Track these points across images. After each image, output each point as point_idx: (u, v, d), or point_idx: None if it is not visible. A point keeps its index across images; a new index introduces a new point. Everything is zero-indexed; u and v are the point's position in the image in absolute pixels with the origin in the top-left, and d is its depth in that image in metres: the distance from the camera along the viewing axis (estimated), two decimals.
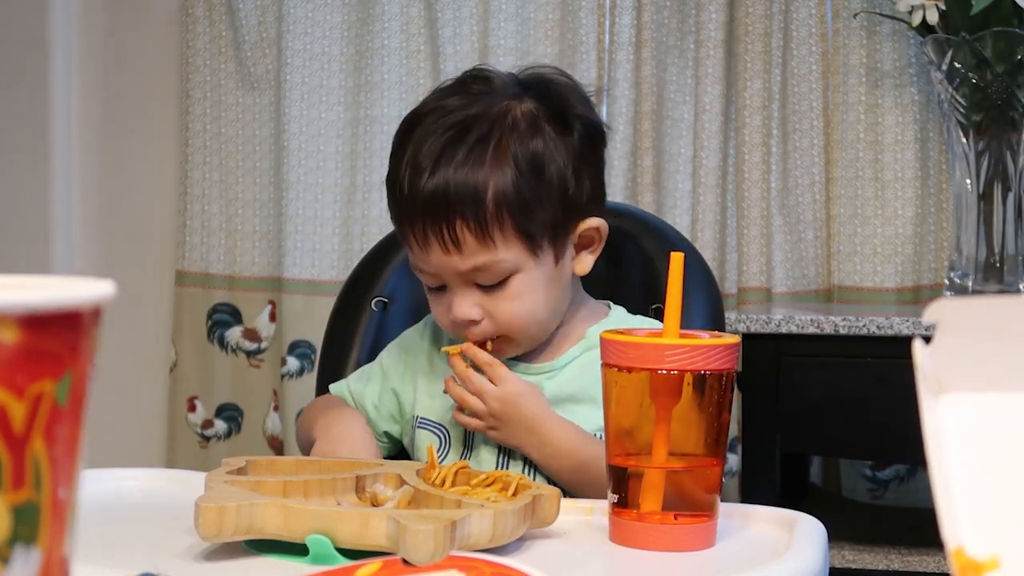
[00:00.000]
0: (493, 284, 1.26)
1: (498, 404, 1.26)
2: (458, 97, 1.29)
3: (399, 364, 1.40)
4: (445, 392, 1.29)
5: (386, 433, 1.39)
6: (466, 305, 1.26)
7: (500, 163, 1.23)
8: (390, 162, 1.31)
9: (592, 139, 1.31)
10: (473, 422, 1.28)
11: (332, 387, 1.43)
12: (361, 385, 1.41)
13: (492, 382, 1.26)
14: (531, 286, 1.27)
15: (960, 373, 0.56)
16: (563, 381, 1.31)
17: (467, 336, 1.28)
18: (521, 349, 1.32)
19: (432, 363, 1.37)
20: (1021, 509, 0.54)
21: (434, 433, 1.34)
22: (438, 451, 1.33)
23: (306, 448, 1.35)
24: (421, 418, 1.35)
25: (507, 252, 1.24)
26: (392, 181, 1.29)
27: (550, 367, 1.33)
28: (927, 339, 0.56)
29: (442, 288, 1.28)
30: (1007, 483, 0.55)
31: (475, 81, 1.32)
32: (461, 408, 1.28)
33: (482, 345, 1.29)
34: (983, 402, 0.56)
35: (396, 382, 1.39)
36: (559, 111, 1.28)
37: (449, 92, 1.32)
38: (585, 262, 1.32)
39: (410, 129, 1.29)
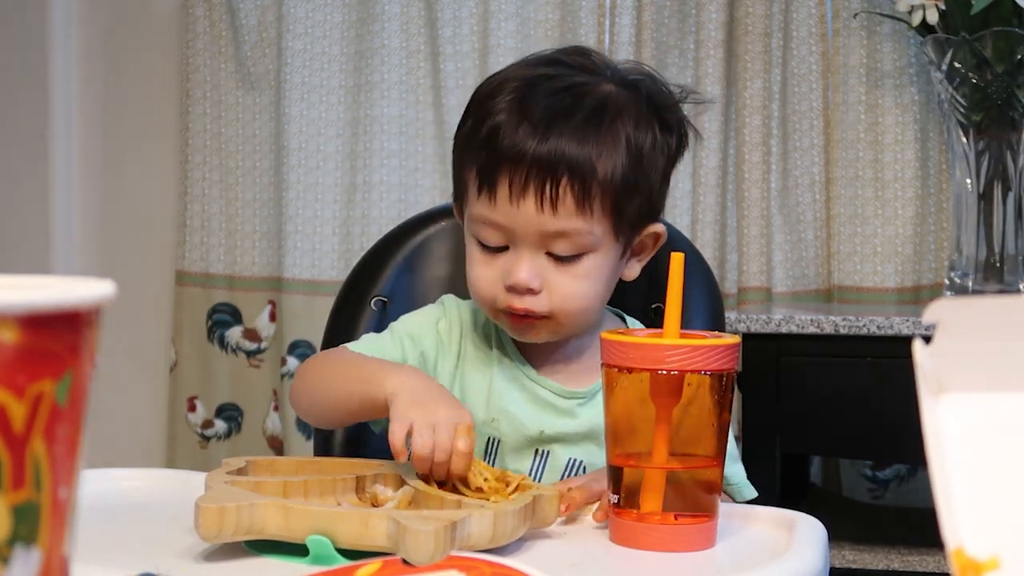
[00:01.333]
0: (566, 256, 1.21)
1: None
2: (561, 66, 1.27)
3: (430, 336, 1.32)
4: None
5: None
6: (534, 269, 1.20)
7: (614, 139, 1.21)
8: (476, 112, 1.24)
9: (680, 148, 1.30)
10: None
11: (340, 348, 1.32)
12: (373, 349, 1.29)
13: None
14: (599, 271, 1.23)
15: (960, 373, 0.56)
16: (598, 409, 1.19)
17: (512, 308, 1.21)
18: (557, 336, 1.26)
19: (466, 366, 1.31)
20: (1021, 509, 0.54)
21: None
22: None
23: (338, 397, 1.23)
24: None
25: (597, 226, 1.20)
26: (491, 121, 1.21)
27: (585, 392, 1.28)
28: (927, 339, 0.56)
29: (500, 250, 1.22)
30: (1007, 483, 0.55)
31: (577, 54, 1.30)
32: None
33: (523, 324, 1.23)
34: (983, 402, 0.56)
35: (428, 347, 1.31)
36: (664, 110, 1.27)
37: (546, 61, 1.28)
38: (634, 268, 1.30)
39: (503, 85, 1.24)
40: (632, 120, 1.23)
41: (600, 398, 1.22)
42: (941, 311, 0.56)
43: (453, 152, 1.29)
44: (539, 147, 1.18)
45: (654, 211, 1.28)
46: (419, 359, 1.29)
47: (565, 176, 1.18)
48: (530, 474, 1.26)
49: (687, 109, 1.34)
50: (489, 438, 1.28)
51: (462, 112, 1.29)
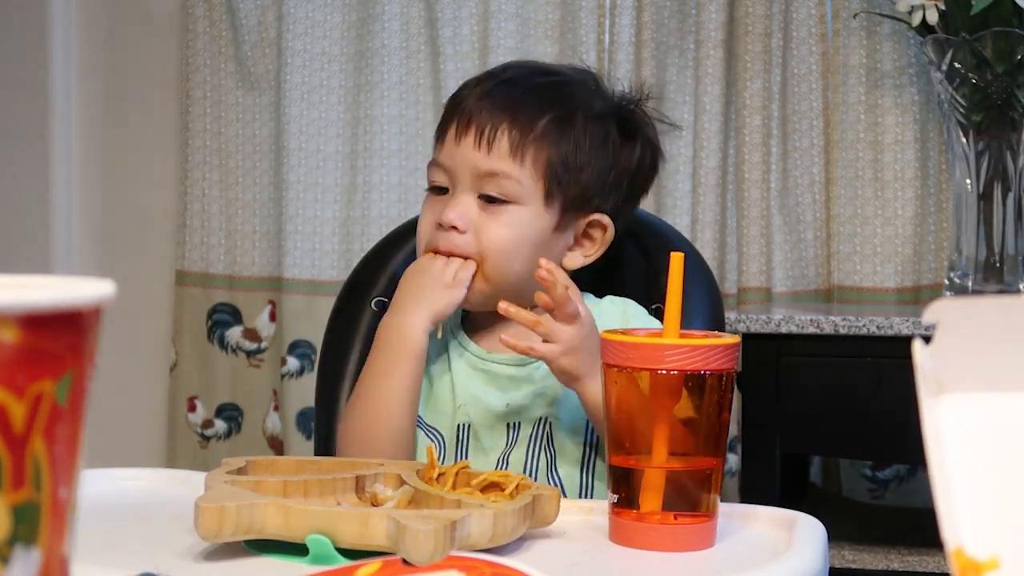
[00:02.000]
0: (494, 200, 1.29)
1: (582, 329, 1.22)
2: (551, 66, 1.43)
3: None
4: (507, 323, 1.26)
5: None
6: (461, 209, 1.29)
7: (565, 114, 1.31)
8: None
9: (643, 164, 1.37)
10: (551, 349, 1.22)
11: None
12: None
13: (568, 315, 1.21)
14: (524, 227, 1.30)
15: (960, 373, 0.56)
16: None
17: (440, 249, 1.29)
18: (481, 295, 1.31)
19: (434, 368, 1.36)
20: (1021, 509, 0.54)
21: (431, 438, 1.34)
22: (437, 456, 1.32)
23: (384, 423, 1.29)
24: (419, 418, 1.34)
25: (527, 178, 1.29)
26: (460, 86, 1.36)
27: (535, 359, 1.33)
28: (927, 339, 0.56)
29: (443, 192, 1.32)
30: (1007, 483, 0.55)
31: (573, 67, 1.44)
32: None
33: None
34: (983, 402, 0.56)
35: None
36: (629, 120, 1.36)
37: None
38: (574, 259, 1.35)
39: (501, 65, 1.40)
40: (585, 112, 1.32)
41: None
42: (941, 311, 0.56)
43: None
44: (486, 98, 1.30)
45: (591, 203, 1.33)
46: None
47: (504, 123, 1.29)
48: (504, 448, 1.31)
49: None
50: (459, 425, 1.32)
51: None
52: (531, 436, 1.31)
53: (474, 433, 1.32)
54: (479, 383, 1.33)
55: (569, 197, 1.31)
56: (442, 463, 1.30)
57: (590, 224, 1.34)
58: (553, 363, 1.22)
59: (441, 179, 1.32)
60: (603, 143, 1.33)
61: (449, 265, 1.28)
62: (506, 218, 1.29)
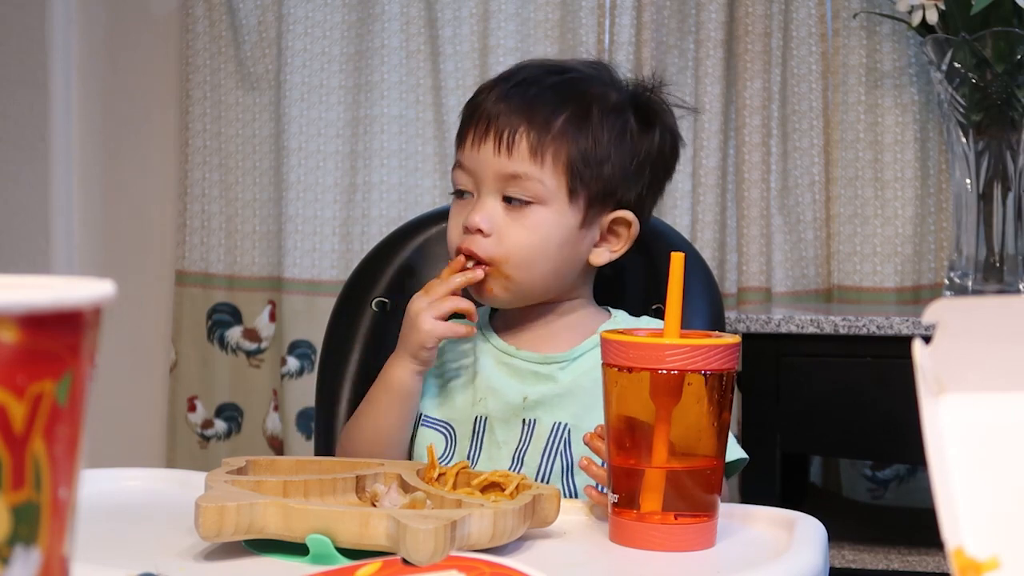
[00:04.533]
0: (519, 201, 1.29)
1: None
2: (562, 63, 1.42)
3: None
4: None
5: None
6: (486, 212, 1.30)
7: (581, 111, 1.32)
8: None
9: (663, 152, 1.38)
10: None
11: None
12: None
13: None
14: (548, 228, 1.30)
15: (960, 373, 0.56)
16: (579, 372, 1.32)
17: (466, 250, 1.30)
18: (507, 294, 1.32)
19: (444, 362, 1.37)
20: (1021, 509, 0.54)
21: (440, 432, 1.33)
22: (444, 451, 1.32)
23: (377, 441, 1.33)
24: (426, 416, 1.34)
25: (549, 178, 1.30)
26: (478, 89, 1.37)
27: (563, 357, 1.33)
28: (927, 339, 0.56)
29: (470, 196, 1.33)
30: (1007, 483, 0.55)
31: (589, 63, 1.43)
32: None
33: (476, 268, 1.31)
34: (983, 402, 0.56)
35: None
36: (646, 109, 1.37)
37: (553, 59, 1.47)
38: (601, 254, 1.35)
39: (514, 66, 1.41)
40: (601, 104, 1.33)
41: (581, 360, 1.30)
42: (941, 311, 0.56)
43: None
44: (503, 101, 1.31)
45: (614, 195, 1.34)
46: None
47: (523, 125, 1.30)
48: (519, 444, 1.30)
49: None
50: (476, 418, 1.33)
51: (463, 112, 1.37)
52: (548, 439, 1.30)
53: (489, 426, 1.32)
54: (501, 375, 1.34)
55: (592, 192, 1.32)
56: (452, 456, 1.30)
57: (615, 221, 1.34)
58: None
59: (465, 183, 1.33)
60: (621, 134, 1.33)
61: (430, 308, 1.28)
62: (530, 219, 1.30)
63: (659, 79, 1.42)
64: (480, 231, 1.29)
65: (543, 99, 1.31)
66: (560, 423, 1.31)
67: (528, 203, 1.30)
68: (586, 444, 1.15)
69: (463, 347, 1.37)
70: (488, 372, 1.34)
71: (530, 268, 1.31)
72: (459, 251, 1.31)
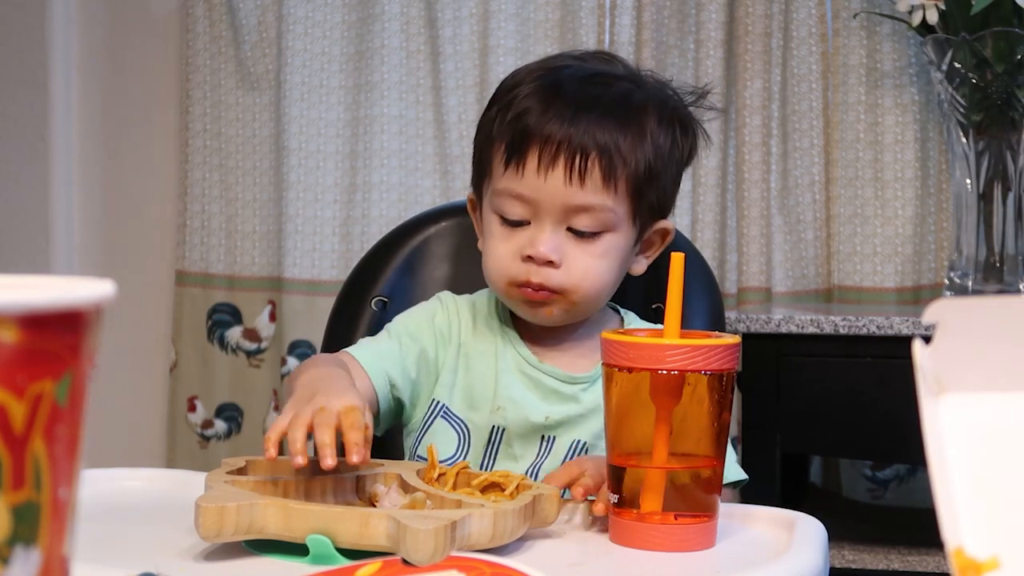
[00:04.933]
0: (586, 233, 1.24)
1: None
2: (582, 60, 1.34)
3: (428, 331, 1.33)
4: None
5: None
6: (553, 243, 1.24)
7: (639, 129, 1.26)
8: (502, 100, 1.29)
9: (692, 154, 1.35)
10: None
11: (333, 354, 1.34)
12: (368, 351, 1.31)
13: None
14: (615, 252, 1.27)
15: (960, 373, 0.56)
16: (600, 387, 1.28)
17: (530, 281, 1.24)
18: (568, 317, 1.29)
19: (469, 356, 1.32)
20: (1021, 509, 0.54)
21: (456, 430, 1.30)
22: (457, 449, 1.30)
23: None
24: (447, 408, 1.31)
25: (618, 205, 1.25)
26: (519, 105, 1.26)
27: (587, 377, 1.30)
28: (927, 339, 0.56)
29: (520, 225, 1.26)
30: (1007, 483, 0.55)
31: (597, 55, 1.39)
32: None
33: (537, 299, 1.26)
34: (983, 402, 0.56)
35: (427, 343, 1.32)
36: (681, 115, 1.33)
37: (567, 56, 1.36)
38: (641, 264, 1.34)
39: (527, 75, 1.30)
40: (654, 117, 1.28)
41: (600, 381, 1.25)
42: (940, 311, 0.56)
43: (476, 138, 1.33)
44: (570, 125, 1.23)
45: (665, 208, 1.32)
46: (419, 355, 1.31)
47: (594, 152, 1.23)
48: (535, 459, 1.28)
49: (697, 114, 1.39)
50: (494, 427, 1.29)
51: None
52: (565, 456, 1.28)
53: (507, 439, 1.29)
54: (522, 387, 1.30)
55: (652, 209, 1.29)
56: (465, 457, 1.29)
57: (655, 231, 1.32)
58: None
59: (521, 212, 1.25)
60: (672, 147, 1.30)
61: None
62: (599, 248, 1.25)
63: (707, 88, 1.39)
64: (551, 263, 1.24)
65: (606, 120, 1.24)
66: (579, 440, 1.29)
67: (598, 233, 1.25)
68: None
69: (487, 344, 1.32)
70: (509, 380, 1.30)
71: (596, 293, 1.27)
72: (525, 283, 1.25)
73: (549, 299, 1.26)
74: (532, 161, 1.23)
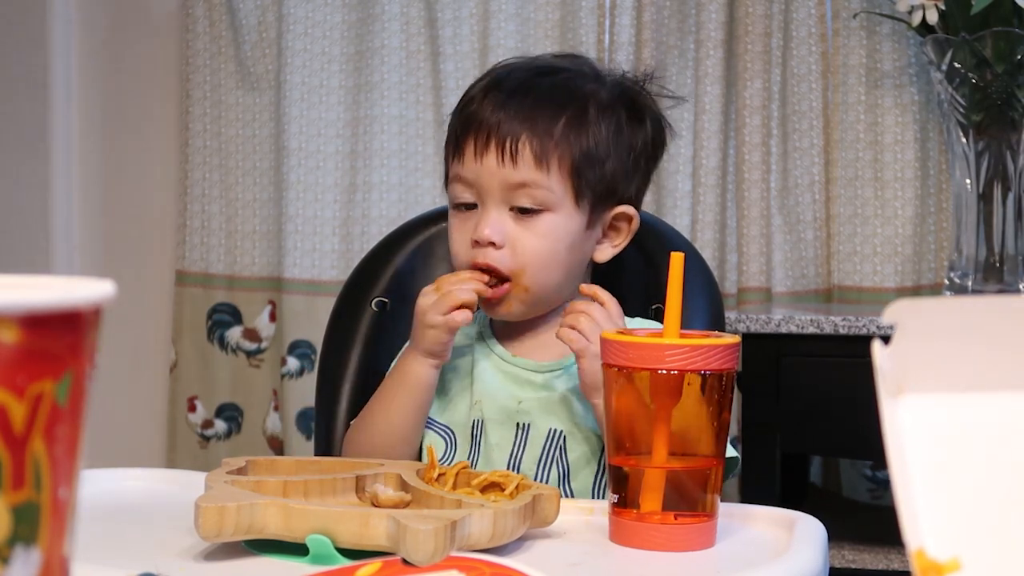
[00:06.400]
0: (527, 210, 1.28)
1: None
2: (545, 59, 1.42)
3: None
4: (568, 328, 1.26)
5: None
6: (496, 224, 1.28)
7: (577, 113, 1.31)
8: (467, 91, 1.37)
9: (653, 144, 1.38)
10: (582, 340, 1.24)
11: None
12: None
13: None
14: (559, 233, 1.30)
15: (919, 374, 0.56)
16: (575, 379, 1.31)
17: (484, 265, 1.28)
18: (523, 307, 1.31)
19: (455, 366, 1.36)
20: (981, 510, 0.54)
21: (441, 436, 1.34)
22: (444, 454, 1.32)
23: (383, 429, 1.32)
24: (430, 418, 1.34)
25: (555, 184, 1.29)
26: (466, 97, 1.34)
27: (558, 365, 1.33)
28: (886, 340, 0.56)
29: (471, 208, 1.31)
30: (967, 484, 0.55)
31: (567, 55, 1.46)
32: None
33: (493, 297, 1.29)
34: (942, 403, 0.56)
35: None
36: (633, 103, 1.36)
37: (534, 57, 1.44)
38: (605, 251, 1.36)
39: (489, 72, 1.38)
40: (595, 102, 1.32)
41: (574, 368, 1.28)
42: (899, 312, 0.56)
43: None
44: (501, 110, 1.29)
45: (617, 192, 1.34)
46: None
47: (524, 133, 1.29)
48: (512, 448, 1.31)
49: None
50: (473, 421, 1.33)
51: None
52: (544, 446, 1.31)
53: (485, 429, 1.32)
54: (498, 381, 1.34)
55: (596, 192, 1.31)
56: (451, 461, 1.31)
57: (615, 216, 1.35)
58: (584, 357, 1.23)
59: (467, 195, 1.31)
60: (618, 131, 1.33)
61: (443, 300, 1.26)
62: (541, 227, 1.29)
63: (648, 73, 1.42)
64: (492, 243, 1.28)
65: (541, 104, 1.30)
66: (555, 429, 1.31)
67: (538, 211, 1.29)
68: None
69: (464, 352, 1.36)
70: (486, 377, 1.34)
71: (546, 276, 1.30)
72: (474, 266, 1.29)
73: (502, 294, 1.29)
74: (470, 147, 1.30)
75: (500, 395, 1.33)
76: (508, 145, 1.28)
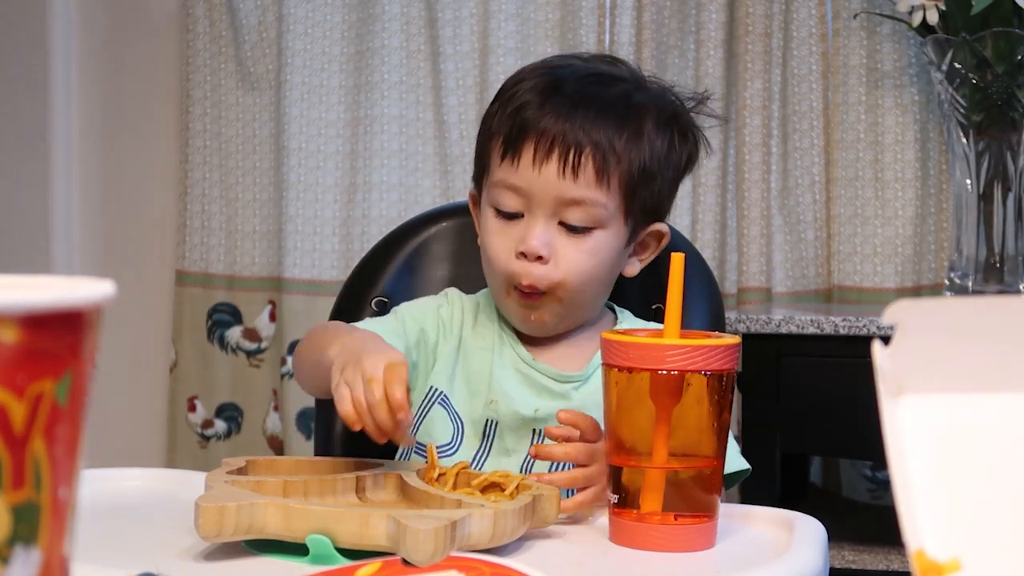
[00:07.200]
0: (577, 228, 1.25)
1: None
2: (585, 60, 1.36)
3: (432, 318, 1.35)
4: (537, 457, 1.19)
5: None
6: (544, 237, 1.25)
7: (636, 129, 1.27)
8: (504, 96, 1.31)
9: (691, 161, 1.36)
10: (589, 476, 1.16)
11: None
12: (374, 325, 1.32)
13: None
14: (605, 250, 1.27)
15: (919, 374, 0.56)
16: (593, 388, 1.28)
17: (521, 276, 1.25)
18: (555, 320, 1.30)
19: (468, 351, 1.34)
20: (981, 510, 0.54)
21: (451, 419, 1.31)
22: (451, 439, 1.31)
23: (312, 370, 1.24)
24: (444, 395, 1.32)
25: (611, 201, 1.26)
26: (520, 98, 1.28)
27: (579, 376, 1.32)
28: (886, 340, 0.56)
29: (515, 217, 1.27)
30: (966, 484, 0.55)
31: (601, 56, 1.42)
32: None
33: (528, 302, 1.27)
34: (942, 403, 0.56)
35: (429, 327, 1.34)
36: (680, 120, 1.34)
37: (571, 56, 1.39)
38: (634, 266, 1.35)
39: (531, 72, 1.31)
40: (653, 119, 1.30)
41: (595, 378, 1.26)
42: (899, 313, 0.56)
43: (478, 133, 1.34)
44: (566, 120, 1.25)
45: (660, 211, 1.33)
46: (419, 335, 1.33)
47: (588, 147, 1.24)
48: (526, 455, 1.29)
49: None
50: (487, 419, 1.31)
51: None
52: None
53: (500, 432, 1.31)
54: (515, 383, 1.32)
55: (645, 209, 1.30)
56: (457, 446, 1.30)
57: (649, 233, 1.33)
58: (590, 497, 1.14)
59: (514, 203, 1.26)
60: (670, 147, 1.31)
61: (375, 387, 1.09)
62: (590, 244, 1.26)
63: (705, 95, 1.40)
64: (540, 257, 1.25)
65: (604, 116, 1.26)
66: None
67: (588, 229, 1.26)
68: (547, 433, 1.14)
69: (485, 345, 1.34)
70: (504, 375, 1.32)
71: (583, 291, 1.28)
72: (518, 286, 1.26)
73: (538, 302, 1.27)
74: (528, 153, 1.25)
75: (517, 401, 1.30)
76: (571, 157, 1.24)
